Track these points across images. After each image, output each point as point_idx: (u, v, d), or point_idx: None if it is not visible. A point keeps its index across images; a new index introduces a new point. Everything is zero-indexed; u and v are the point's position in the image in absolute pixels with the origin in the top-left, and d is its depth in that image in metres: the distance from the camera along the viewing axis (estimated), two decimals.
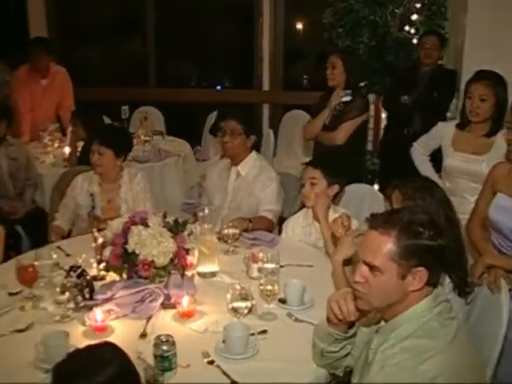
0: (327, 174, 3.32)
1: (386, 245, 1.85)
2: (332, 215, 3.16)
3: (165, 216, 2.79)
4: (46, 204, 4.76)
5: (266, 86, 7.02)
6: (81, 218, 3.70)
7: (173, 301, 2.63)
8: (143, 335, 2.45)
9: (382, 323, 2.00)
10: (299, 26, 7.61)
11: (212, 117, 6.53)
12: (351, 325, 2.09)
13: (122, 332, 2.49)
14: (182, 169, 5.40)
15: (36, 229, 4.46)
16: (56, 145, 5.30)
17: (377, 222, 1.92)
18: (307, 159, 4.51)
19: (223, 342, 2.34)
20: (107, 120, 5.72)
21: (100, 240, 2.87)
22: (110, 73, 8.25)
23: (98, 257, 2.81)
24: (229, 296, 2.46)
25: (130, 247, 2.62)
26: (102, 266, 2.79)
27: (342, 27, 5.48)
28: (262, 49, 6.91)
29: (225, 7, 7.55)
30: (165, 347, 2.17)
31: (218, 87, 7.49)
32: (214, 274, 2.98)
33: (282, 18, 6.89)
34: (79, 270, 2.63)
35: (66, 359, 1.69)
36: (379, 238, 1.87)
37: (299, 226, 3.47)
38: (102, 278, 2.85)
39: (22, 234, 4.35)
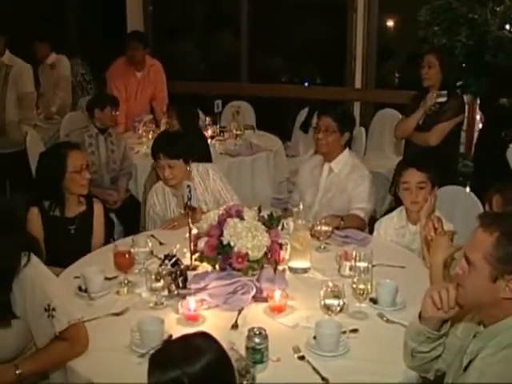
0: (431, 177, 3.25)
1: (485, 244, 1.84)
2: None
3: (260, 210, 2.81)
4: (138, 193, 4.88)
5: (357, 84, 6.94)
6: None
7: (264, 294, 2.64)
8: (234, 326, 2.47)
9: (481, 328, 1.95)
10: (392, 23, 7.48)
11: (303, 113, 6.52)
12: (443, 323, 2.04)
13: (213, 322, 2.52)
14: (273, 164, 5.40)
15: (129, 217, 4.58)
16: (150, 136, 5.42)
17: (484, 220, 1.92)
18: (398, 159, 4.44)
19: (314, 338, 2.33)
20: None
21: (194, 231, 2.91)
22: (203, 67, 8.38)
23: (193, 247, 2.85)
24: (322, 293, 2.45)
25: (226, 239, 2.65)
26: (196, 256, 2.83)
27: (438, 25, 5.34)
28: (356, 46, 6.82)
29: (318, 3, 7.54)
30: (257, 340, 2.18)
31: (306, 84, 7.46)
32: (305, 271, 2.96)
33: (375, 14, 6.77)
34: (174, 259, 2.68)
35: (162, 348, 1.74)
36: (481, 236, 1.87)
37: (392, 227, 3.41)
38: (194, 268, 2.90)
39: (116, 221, 4.48)
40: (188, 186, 2.96)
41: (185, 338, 1.75)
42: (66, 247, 3.24)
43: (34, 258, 2.30)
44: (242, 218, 2.71)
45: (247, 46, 7.62)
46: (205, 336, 1.76)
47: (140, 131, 5.64)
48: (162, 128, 5.43)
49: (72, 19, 8.59)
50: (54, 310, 2.23)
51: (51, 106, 6.43)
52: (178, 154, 3.57)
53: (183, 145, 3.67)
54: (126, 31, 7.46)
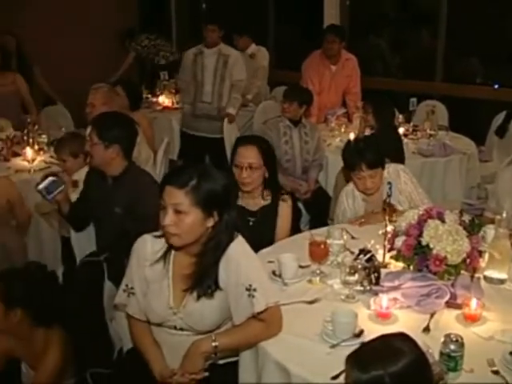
0: None
1: None
2: None
3: (461, 214, 2.73)
4: (327, 185, 4.93)
5: None
6: None
7: (459, 301, 2.56)
8: (426, 330, 2.42)
9: None
10: None
11: (499, 117, 6.20)
12: None
13: (404, 322, 2.48)
14: (465, 167, 5.21)
15: (316, 208, 4.65)
16: (342, 130, 5.46)
17: None
18: None
19: (510, 354, 2.22)
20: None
21: (390, 228, 2.89)
22: (397, 63, 8.25)
23: (388, 245, 2.83)
24: None
25: (425, 240, 2.60)
26: (392, 253, 2.81)
27: None
28: None
29: None
30: (453, 347, 2.13)
31: (496, 86, 7.09)
32: (502, 281, 2.83)
33: None
34: (369, 255, 2.68)
35: (362, 348, 1.76)
36: None
37: None
38: (385, 266, 2.88)
39: (303, 211, 4.56)
40: (389, 183, 2.95)
41: (384, 338, 1.77)
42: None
43: (240, 237, 2.40)
44: (442, 221, 2.64)
45: (444, 44, 7.40)
46: (405, 337, 1.76)
47: (333, 124, 5.69)
48: (355, 123, 5.45)
49: (271, 12, 8.82)
50: (254, 290, 2.30)
51: (247, 93, 6.67)
52: (379, 162, 3.51)
53: (378, 150, 3.57)
54: (323, 25, 7.53)
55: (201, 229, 2.30)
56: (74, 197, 3.65)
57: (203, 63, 5.84)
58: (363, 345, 1.79)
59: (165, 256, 2.43)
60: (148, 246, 2.45)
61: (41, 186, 3.35)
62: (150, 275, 2.45)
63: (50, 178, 3.36)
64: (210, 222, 2.30)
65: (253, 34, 7.26)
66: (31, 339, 2.71)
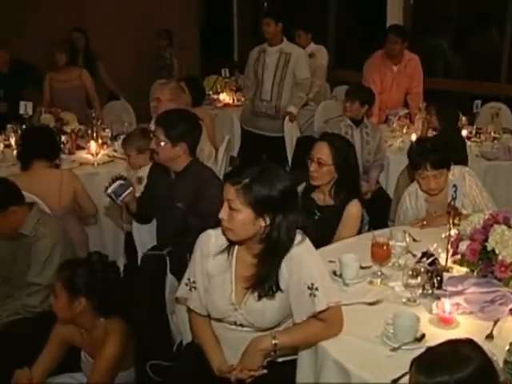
0: None
1: None
2: None
3: None
4: (388, 186, 4.89)
5: None
6: None
7: None
8: (489, 337, 2.37)
9: None
10: None
11: None
12: None
13: (467, 328, 2.44)
14: None
15: (376, 209, 4.59)
16: (404, 130, 5.40)
17: None
18: None
19: None
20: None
21: (453, 232, 2.85)
22: (459, 64, 8.11)
23: (452, 249, 2.79)
24: None
25: (490, 245, 2.55)
26: (455, 258, 2.77)
27: None
28: None
29: None
30: None
31: None
32: None
33: None
34: (432, 258, 2.65)
35: (428, 352, 1.75)
36: None
37: None
38: (448, 270, 2.84)
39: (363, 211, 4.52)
40: (454, 186, 2.90)
41: (452, 343, 1.76)
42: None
43: (306, 238, 2.39)
44: (509, 226, 2.59)
45: (510, 45, 7.22)
46: (472, 344, 1.75)
47: (394, 125, 5.63)
48: (417, 124, 5.38)
49: (332, 11, 8.78)
50: (316, 289, 2.30)
51: (308, 92, 6.65)
52: (444, 163, 3.49)
53: (444, 151, 3.56)
54: (385, 25, 7.45)
55: (253, 227, 2.30)
56: (139, 193, 3.72)
57: (265, 61, 5.88)
58: (429, 349, 1.77)
59: (228, 249, 2.45)
60: (212, 241, 2.47)
61: (109, 190, 3.44)
62: (213, 269, 2.47)
63: (118, 182, 3.45)
64: (263, 223, 2.30)
65: (313, 32, 7.24)
66: (92, 328, 2.76)
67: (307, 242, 2.39)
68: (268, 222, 2.29)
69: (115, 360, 2.68)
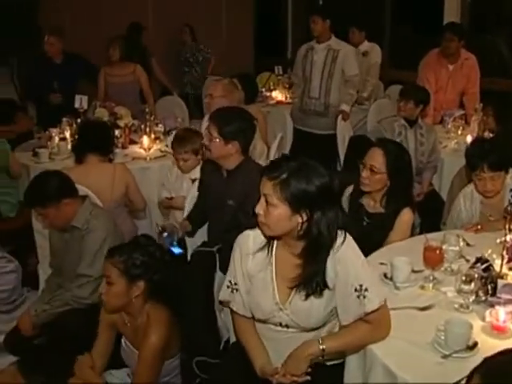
0: None
1: None
2: None
3: None
4: (441, 188, 4.80)
5: None
6: None
7: None
8: None
9: None
10: None
11: None
12: None
13: None
14: None
15: (429, 211, 4.50)
16: (459, 132, 5.29)
17: None
18: None
19: None
20: None
21: (509, 237, 2.77)
22: None
23: (507, 255, 2.71)
24: None
25: None
26: (509, 265, 2.70)
27: None
28: None
29: None
30: None
31: None
32: None
33: None
34: (486, 264, 2.58)
35: (488, 361, 1.65)
36: None
37: None
38: (502, 277, 2.76)
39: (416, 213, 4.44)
40: (511, 191, 2.83)
41: None
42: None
43: (350, 237, 2.35)
44: None
45: None
46: None
47: (449, 126, 5.51)
48: (472, 125, 5.25)
49: (388, 9, 8.67)
50: (366, 290, 2.26)
51: (362, 91, 6.60)
52: (502, 165, 3.42)
53: (503, 154, 3.48)
54: (442, 22, 7.32)
55: (289, 223, 2.26)
56: (194, 193, 3.73)
57: (313, 58, 5.85)
58: (490, 358, 1.69)
59: (268, 246, 2.42)
60: (250, 240, 2.45)
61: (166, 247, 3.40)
62: (253, 267, 2.44)
63: (163, 236, 3.46)
64: (299, 219, 2.25)
65: (367, 30, 7.16)
66: (138, 314, 2.75)
67: (351, 241, 2.34)
68: (305, 218, 2.24)
69: (160, 349, 2.66)
